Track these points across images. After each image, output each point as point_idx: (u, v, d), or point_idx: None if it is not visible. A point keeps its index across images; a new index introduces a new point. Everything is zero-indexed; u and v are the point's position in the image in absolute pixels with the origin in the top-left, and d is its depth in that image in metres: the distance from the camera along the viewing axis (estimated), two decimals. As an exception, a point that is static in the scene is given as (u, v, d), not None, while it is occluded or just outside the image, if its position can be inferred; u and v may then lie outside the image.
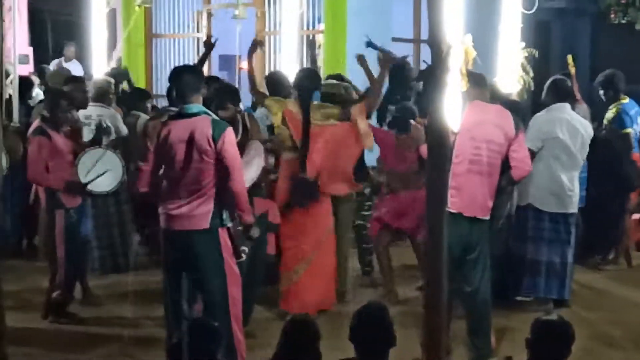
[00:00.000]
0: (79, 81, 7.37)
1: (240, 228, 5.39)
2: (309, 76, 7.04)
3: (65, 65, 12.28)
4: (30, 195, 6.93)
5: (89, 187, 6.48)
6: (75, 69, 11.67)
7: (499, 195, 5.86)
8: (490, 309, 5.81)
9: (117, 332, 6.49)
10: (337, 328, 5.70)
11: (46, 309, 6.69)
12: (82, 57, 11.66)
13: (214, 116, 5.13)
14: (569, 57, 8.04)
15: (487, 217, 5.67)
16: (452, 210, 5.13)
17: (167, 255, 5.29)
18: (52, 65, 12.31)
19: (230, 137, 5.04)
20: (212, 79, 7.16)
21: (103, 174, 6.40)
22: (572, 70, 7.93)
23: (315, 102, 6.86)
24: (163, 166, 5.22)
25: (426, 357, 3.98)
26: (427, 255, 3.98)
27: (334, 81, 7.48)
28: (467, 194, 5.50)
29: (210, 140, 4.96)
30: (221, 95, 6.13)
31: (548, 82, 7.12)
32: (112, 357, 6.02)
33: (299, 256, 6.72)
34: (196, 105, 5.08)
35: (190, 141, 5.00)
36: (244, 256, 5.40)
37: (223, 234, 5.12)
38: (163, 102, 9.17)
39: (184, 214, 5.07)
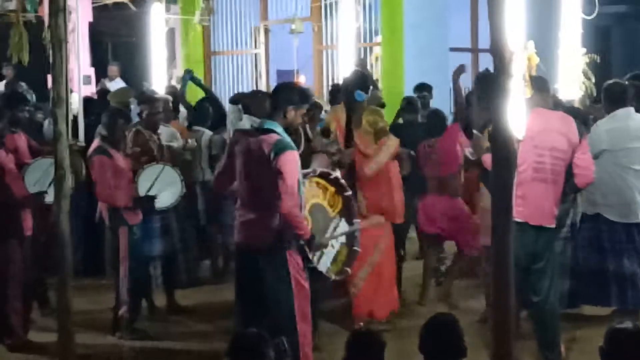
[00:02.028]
0: (153, 101, 7.41)
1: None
2: (352, 77, 7.05)
3: (109, 84, 12.43)
4: (96, 213, 7.02)
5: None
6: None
7: (562, 203, 5.78)
8: (558, 318, 5.72)
9: (184, 346, 6.55)
10: (405, 339, 5.69)
11: (114, 326, 6.77)
12: (143, 77, 11.81)
13: (284, 136, 5.07)
14: None
15: (553, 226, 5.60)
16: (517, 220, 5.07)
17: (238, 268, 5.32)
18: (98, 86, 12.48)
19: (287, 158, 4.96)
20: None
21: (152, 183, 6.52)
22: None
23: (370, 107, 6.81)
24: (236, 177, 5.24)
25: (496, 368, 3.94)
26: (494, 265, 3.94)
27: None
28: (533, 202, 5.43)
29: (269, 157, 4.97)
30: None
31: (603, 87, 6.74)
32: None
33: (361, 261, 6.68)
34: (269, 122, 5.10)
35: (254, 156, 5.04)
36: (334, 276, 5.39)
37: (290, 252, 5.09)
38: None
39: (252, 228, 5.10)
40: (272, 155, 4.95)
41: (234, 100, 7.30)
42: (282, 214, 4.95)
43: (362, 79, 7.02)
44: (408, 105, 8.60)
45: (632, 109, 6.58)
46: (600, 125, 6.61)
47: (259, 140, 5.04)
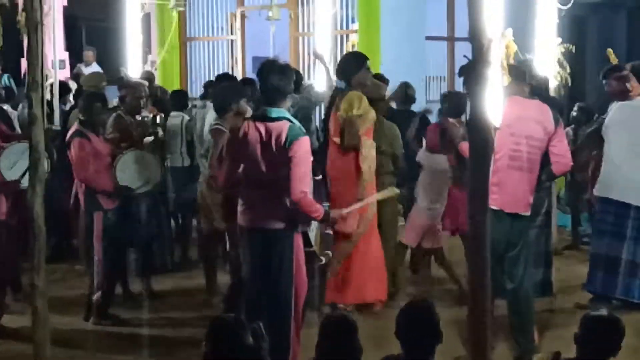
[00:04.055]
0: (133, 86, 7.36)
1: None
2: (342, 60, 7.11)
3: (85, 70, 12.35)
4: (71, 197, 6.98)
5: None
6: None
7: (537, 192, 5.81)
8: (532, 305, 5.77)
9: (159, 333, 6.53)
10: (382, 325, 5.69)
11: (88, 311, 6.74)
12: (118, 61, 11.73)
13: (294, 122, 5.08)
14: (609, 51, 7.91)
15: (528, 213, 5.63)
16: (493, 207, 5.08)
17: (244, 253, 5.31)
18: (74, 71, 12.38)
19: (301, 144, 4.97)
20: (248, 82, 7.18)
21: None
22: (615, 62, 7.77)
23: (351, 93, 6.72)
24: (242, 165, 5.23)
25: (471, 354, 3.96)
26: (470, 252, 3.95)
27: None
28: (508, 190, 5.46)
29: (283, 144, 4.96)
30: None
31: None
32: (154, 358, 6.05)
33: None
34: (277, 110, 5.07)
35: (267, 144, 5.02)
36: (323, 259, 5.39)
37: (296, 237, 5.13)
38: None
39: (260, 213, 5.10)
40: (286, 142, 4.94)
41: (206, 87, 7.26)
42: (293, 200, 4.95)
43: (341, 65, 7.01)
44: (408, 94, 8.58)
45: None
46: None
47: (269, 127, 5.02)
